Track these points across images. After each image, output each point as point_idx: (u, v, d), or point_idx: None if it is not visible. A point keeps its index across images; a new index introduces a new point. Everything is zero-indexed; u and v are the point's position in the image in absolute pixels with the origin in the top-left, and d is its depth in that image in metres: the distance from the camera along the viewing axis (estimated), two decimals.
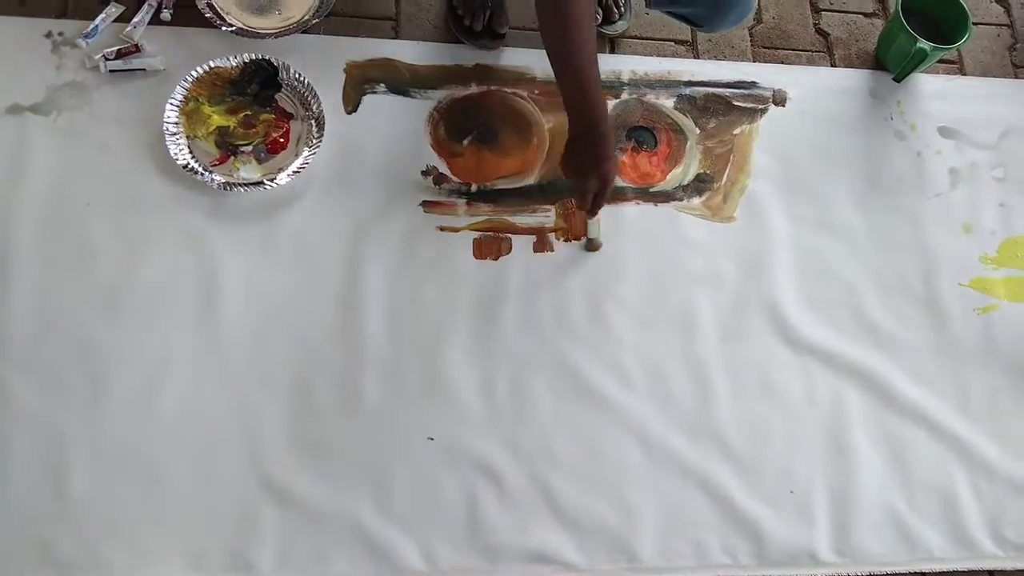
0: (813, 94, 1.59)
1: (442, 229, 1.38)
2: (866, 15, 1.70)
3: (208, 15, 1.39)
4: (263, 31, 1.41)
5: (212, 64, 1.37)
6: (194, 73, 1.36)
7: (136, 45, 1.38)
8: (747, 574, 1.26)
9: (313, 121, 1.38)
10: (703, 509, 1.28)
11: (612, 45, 1.58)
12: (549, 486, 1.25)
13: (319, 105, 1.38)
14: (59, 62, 1.36)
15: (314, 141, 1.36)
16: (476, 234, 1.38)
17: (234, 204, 1.33)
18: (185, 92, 1.35)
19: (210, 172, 1.32)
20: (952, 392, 1.41)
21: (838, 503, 1.31)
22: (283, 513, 1.19)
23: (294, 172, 1.34)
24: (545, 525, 1.24)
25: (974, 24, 1.58)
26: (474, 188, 1.41)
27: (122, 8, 1.40)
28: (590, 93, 1.15)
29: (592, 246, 1.39)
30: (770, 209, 1.48)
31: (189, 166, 1.32)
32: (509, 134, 1.45)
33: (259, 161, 1.36)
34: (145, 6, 1.40)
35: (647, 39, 1.59)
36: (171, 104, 1.34)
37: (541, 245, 1.39)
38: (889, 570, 1.30)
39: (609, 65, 1.54)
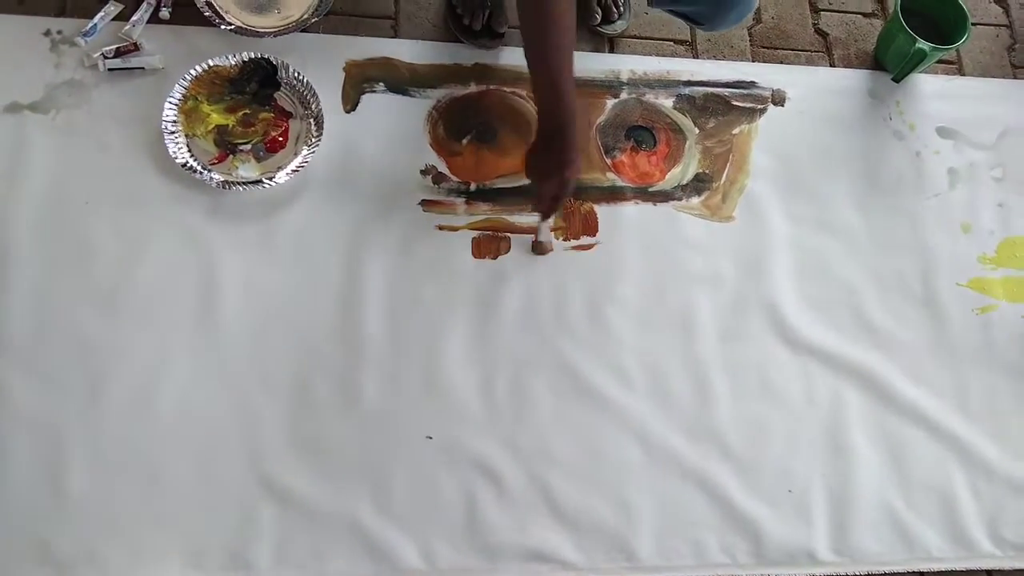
0: (812, 94, 1.59)
1: (441, 228, 1.37)
2: (865, 15, 1.71)
3: (207, 13, 1.39)
4: (262, 30, 1.41)
5: (211, 63, 1.37)
6: (193, 72, 1.36)
7: (135, 43, 1.37)
8: (746, 573, 1.26)
9: (312, 120, 1.38)
10: (702, 508, 1.28)
11: (611, 45, 1.58)
12: (548, 485, 1.25)
13: (318, 104, 1.38)
14: (58, 60, 1.36)
15: (313, 140, 1.36)
16: (475, 233, 1.38)
17: (233, 203, 1.33)
18: (184, 91, 1.35)
19: (209, 171, 1.32)
20: (951, 392, 1.41)
21: (837, 503, 1.31)
22: (282, 512, 1.19)
23: (293, 171, 1.34)
24: (544, 524, 1.24)
25: (973, 24, 1.58)
26: (473, 187, 1.41)
27: (121, 6, 1.40)
28: (563, 95, 1.15)
29: (541, 249, 1.38)
30: (769, 209, 1.48)
31: (188, 165, 1.31)
32: (508, 133, 1.45)
33: (258, 160, 1.36)
34: (144, 4, 1.40)
35: (646, 39, 1.59)
36: (170, 103, 1.33)
37: (540, 244, 1.39)
38: (887, 569, 1.30)
39: (608, 64, 1.54)
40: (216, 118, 1.36)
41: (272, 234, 1.32)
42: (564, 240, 1.40)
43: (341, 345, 1.28)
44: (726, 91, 1.56)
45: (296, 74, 1.39)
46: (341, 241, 1.33)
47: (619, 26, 1.56)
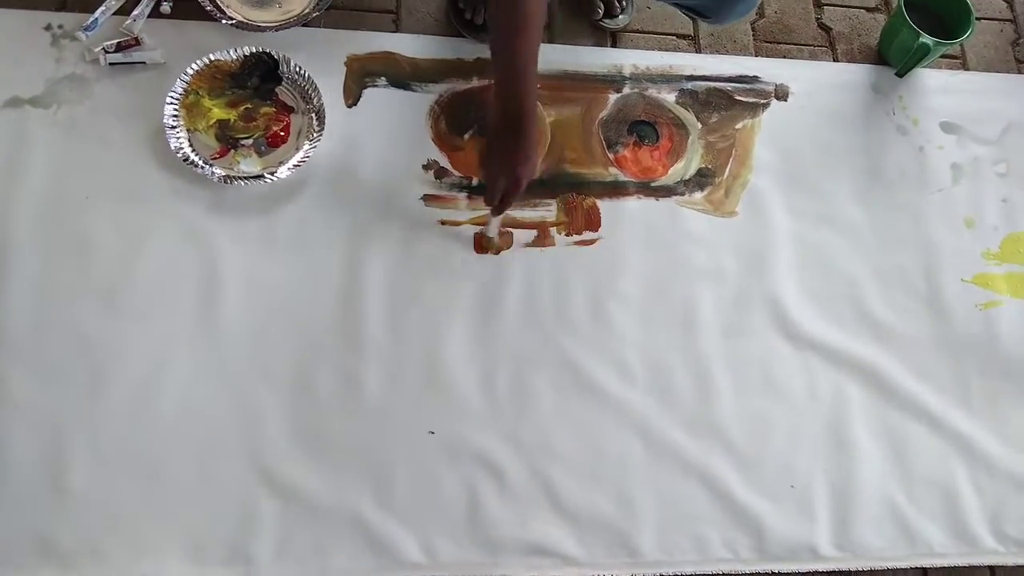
0: (815, 89, 1.58)
1: (443, 223, 1.37)
2: (868, 10, 1.70)
3: (208, 8, 1.38)
4: (263, 24, 1.41)
5: (212, 57, 1.37)
6: (194, 66, 1.36)
7: (136, 38, 1.37)
8: (747, 568, 1.26)
9: (314, 115, 1.38)
10: (704, 503, 1.28)
11: (614, 39, 1.57)
12: (550, 480, 1.25)
13: (320, 98, 1.38)
14: (59, 55, 1.36)
15: (315, 135, 1.36)
16: (477, 228, 1.37)
17: (234, 198, 1.33)
18: (185, 85, 1.35)
19: (210, 165, 1.32)
20: (953, 387, 1.40)
21: (839, 498, 1.31)
22: (283, 506, 1.19)
23: (295, 166, 1.33)
24: (545, 519, 1.24)
25: (977, 19, 1.58)
26: (475, 182, 1.40)
27: (122, 1, 1.40)
28: (523, 94, 1.15)
29: (487, 245, 1.37)
30: (772, 204, 1.47)
31: (189, 159, 1.31)
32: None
33: (259, 154, 1.36)
34: None
35: (649, 33, 1.59)
36: (171, 97, 1.33)
37: (542, 239, 1.38)
38: (889, 565, 1.30)
39: (611, 59, 1.54)
40: (217, 113, 1.36)
41: (273, 229, 1.32)
42: (566, 235, 1.40)
43: (342, 340, 1.28)
44: (729, 86, 1.55)
45: (298, 69, 1.38)
46: (343, 236, 1.33)
47: (622, 20, 1.56)
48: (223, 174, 1.31)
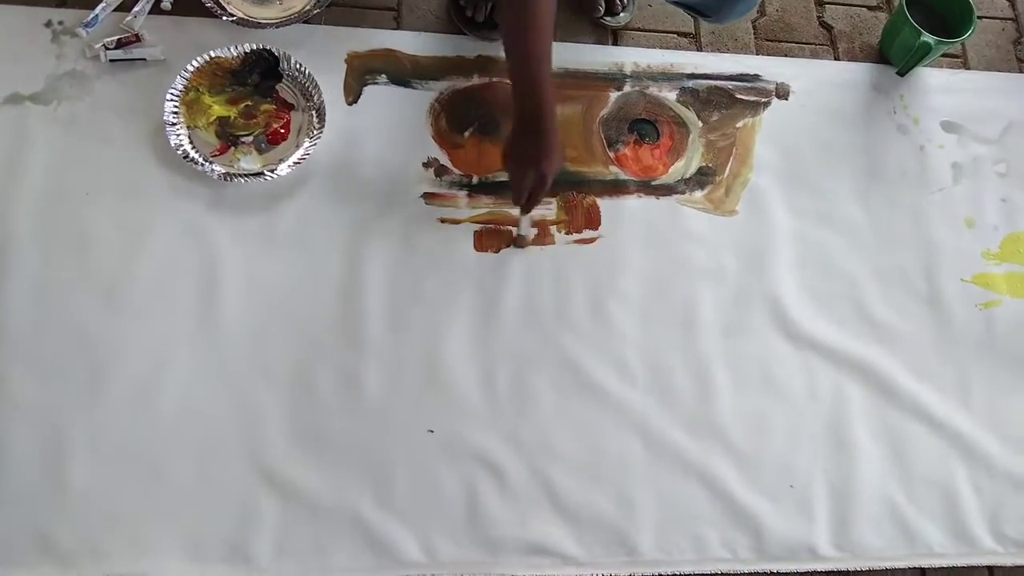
0: (816, 87, 1.58)
1: (443, 221, 1.37)
2: (870, 8, 1.70)
3: (209, 5, 1.38)
4: (264, 21, 1.41)
5: (213, 54, 1.36)
6: (195, 63, 1.35)
7: (136, 35, 1.37)
8: (746, 568, 1.26)
9: (314, 112, 1.38)
10: (703, 503, 1.28)
11: (615, 37, 1.57)
12: (549, 480, 1.25)
13: (320, 96, 1.38)
14: (59, 51, 1.36)
15: (315, 132, 1.36)
16: (477, 226, 1.37)
17: (234, 195, 1.33)
18: (185, 82, 1.35)
19: (210, 163, 1.32)
20: (953, 387, 1.40)
21: (838, 498, 1.31)
22: (283, 505, 1.19)
23: (295, 163, 1.33)
24: (545, 518, 1.24)
25: (979, 18, 1.58)
26: (475, 180, 1.40)
27: None
28: (540, 87, 1.15)
29: (520, 243, 1.37)
30: (772, 203, 1.47)
31: (189, 156, 1.31)
32: (511, 126, 1.43)
33: (260, 152, 1.36)
34: None
35: (650, 31, 1.59)
36: (171, 94, 1.33)
37: (542, 238, 1.38)
38: (888, 565, 1.30)
39: (612, 57, 1.53)
40: (218, 110, 1.36)
41: (273, 226, 1.32)
42: (566, 233, 1.40)
43: (342, 338, 1.28)
44: (730, 84, 1.55)
45: (298, 66, 1.38)
46: (342, 234, 1.33)
47: (623, 18, 1.56)
48: (223, 171, 1.31)
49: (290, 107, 1.39)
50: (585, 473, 1.26)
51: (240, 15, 1.40)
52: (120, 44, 1.36)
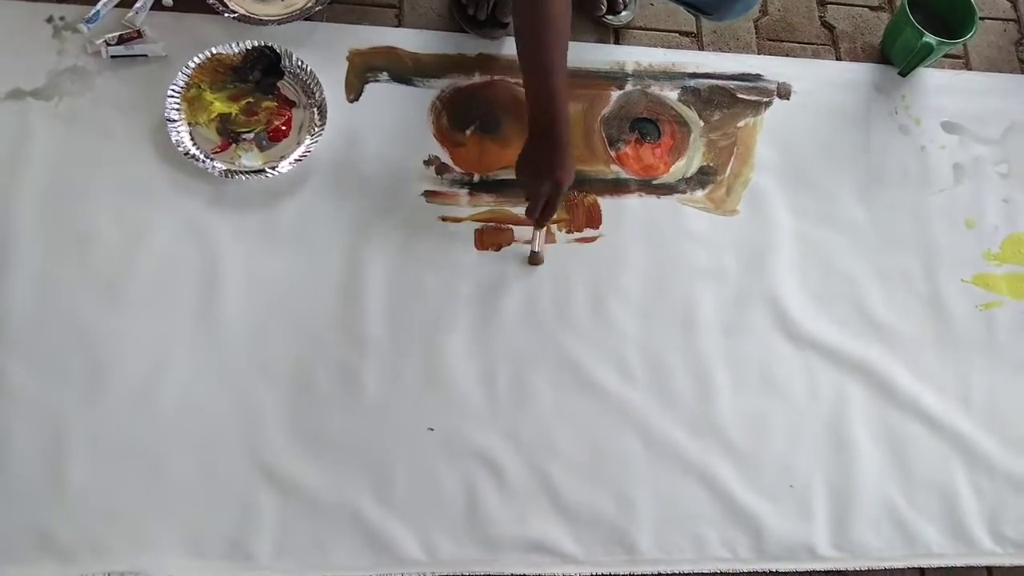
0: (818, 87, 1.58)
1: (444, 219, 1.37)
2: (872, 8, 1.70)
3: (211, 1, 1.38)
4: (266, 18, 1.40)
5: (214, 51, 1.36)
6: (196, 60, 1.35)
7: (138, 31, 1.37)
8: (746, 568, 1.26)
9: (315, 109, 1.38)
10: (703, 503, 1.28)
11: (617, 36, 1.57)
12: (549, 478, 1.25)
13: (321, 93, 1.37)
14: (60, 47, 1.36)
15: (316, 129, 1.36)
16: (478, 225, 1.37)
17: (235, 192, 1.33)
18: (187, 79, 1.35)
19: (211, 159, 1.32)
20: (953, 388, 1.40)
21: (838, 498, 1.31)
22: (283, 502, 1.19)
23: (296, 160, 1.33)
24: (544, 517, 1.24)
25: (981, 19, 1.58)
26: (476, 178, 1.40)
27: None
28: (554, 96, 1.15)
29: (535, 260, 1.36)
30: (773, 203, 1.47)
31: (190, 153, 1.31)
32: (512, 124, 1.44)
33: (261, 149, 1.36)
34: None
35: (652, 30, 1.58)
36: (172, 90, 1.33)
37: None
38: (887, 565, 1.30)
39: (613, 56, 1.53)
40: (219, 106, 1.36)
41: (274, 224, 1.32)
42: (567, 232, 1.40)
43: (343, 336, 1.28)
44: (731, 83, 1.55)
45: (300, 63, 1.38)
46: (343, 231, 1.33)
47: (624, 17, 1.56)
48: (224, 168, 1.31)
49: (291, 104, 1.39)
50: (585, 472, 1.26)
51: (242, 12, 1.40)
52: (121, 40, 1.36)
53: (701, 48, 1.59)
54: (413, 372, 1.27)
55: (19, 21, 1.36)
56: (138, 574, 1.13)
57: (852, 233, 1.48)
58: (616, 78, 1.51)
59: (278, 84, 1.39)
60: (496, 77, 1.47)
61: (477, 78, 1.47)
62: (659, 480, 1.28)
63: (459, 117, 1.44)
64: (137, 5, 1.38)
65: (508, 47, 1.49)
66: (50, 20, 1.37)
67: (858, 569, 1.29)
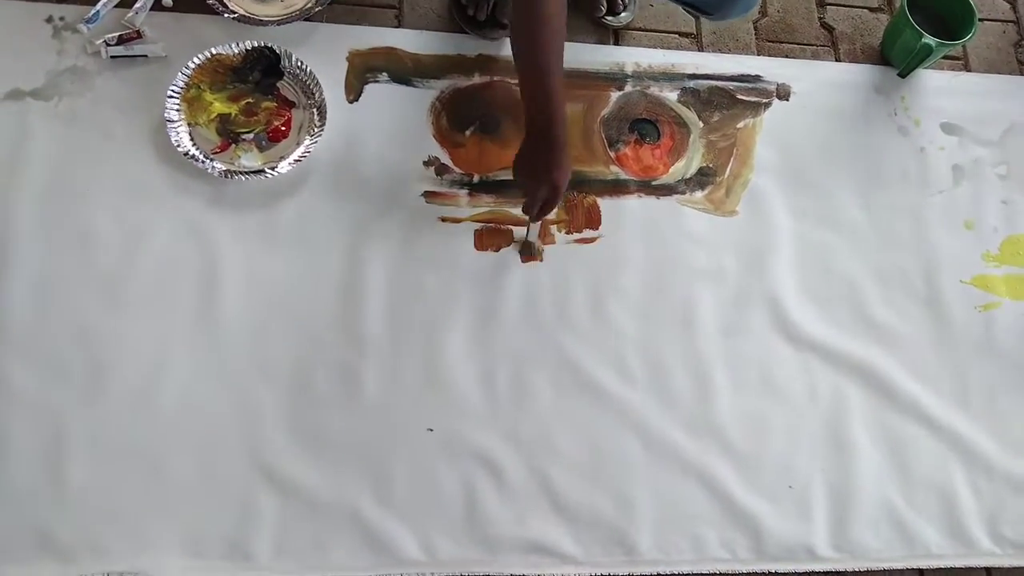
0: (817, 88, 1.58)
1: (444, 220, 1.37)
2: (871, 10, 1.70)
3: (210, 2, 1.38)
4: (265, 18, 1.40)
5: (214, 51, 1.36)
6: (196, 60, 1.35)
7: (138, 31, 1.37)
8: (745, 568, 1.26)
9: (315, 109, 1.38)
10: (702, 503, 1.28)
11: (616, 37, 1.57)
12: (548, 479, 1.25)
13: (321, 93, 1.37)
14: (60, 47, 1.36)
15: (316, 130, 1.36)
16: (478, 225, 1.37)
17: (235, 192, 1.33)
18: (186, 79, 1.35)
19: (211, 160, 1.32)
20: (952, 389, 1.41)
21: (837, 499, 1.31)
22: (282, 502, 1.19)
23: (295, 161, 1.33)
24: (544, 517, 1.24)
25: (980, 20, 1.58)
26: (476, 179, 1.40)
27: None
28: (551, 97, 1.15)
29: (529, 252, 1.36)
30: (772, 204, 1.47)
31: (190, 154, 1.31)
32: (512, 125, 1.44)
33: (260, 149, 1.36)
34: None
35: (651, 31, 1.58)
36: (172, 91, 1.33)
37: (542, 237, 1.38)
38: (886, 566, 1.30)
39: (613, 57, 1.53)
40: (219, 107, 1.36)
41: (274, 224, 1.32)
42: (567, 233, 1.40)
43: (342, 336, 1.28)
44: (731, 85, 1.55)
45: (299, 63, 1.38)
46: (343, 232, 1.33)
47: (624, 18, 1.56)
48: (224, 168, 1.31)
49: (291, 105, 1.39)
50: (584, 472, 1.27)
51: (241, 12, 1.40)
52: (121, 40, 1.36)
53: (701, 49, 1.59)
54: (413, 372, 1.27)
55: (19, 21, 1.36)
56: (138, 574, 1.13)
57: (851, 234, 1.48)
58: (615, 79, 1.52)
59: (278, 85, 1.39)
60: (496, 78, 1.47)
61: (477, 79, 1.47)
62: (658, 480, 1.28)
63: (459, 118, 1.44)
64: (137, 5, 1.38)
65: (508, 48, 1.48)
66: (50, 20, 1.37)
67: (857, 570, 1.29)
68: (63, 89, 1.33)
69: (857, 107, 1.58)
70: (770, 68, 1.58)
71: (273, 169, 1.32)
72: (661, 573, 1.24)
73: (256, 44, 1.38)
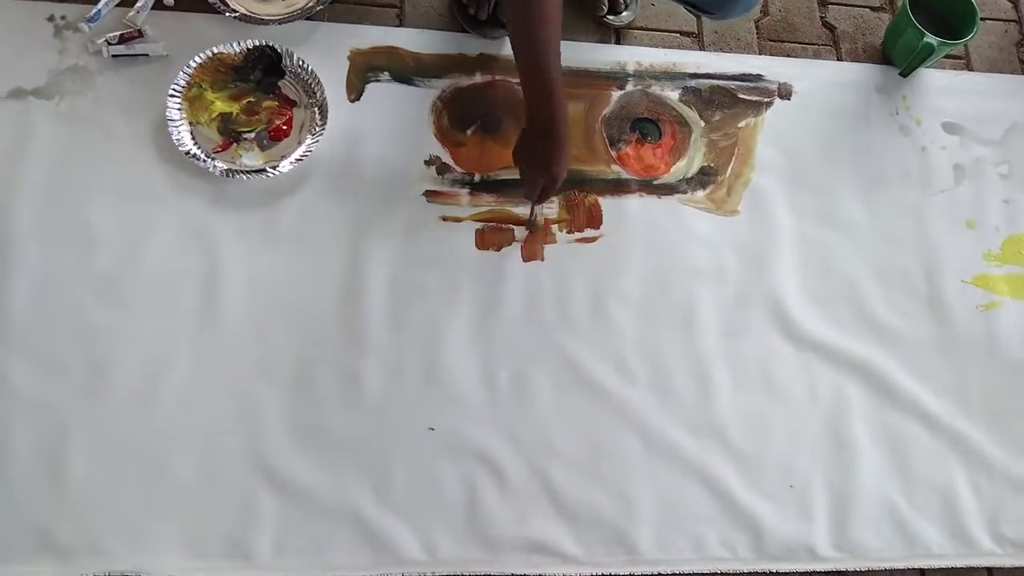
0: (819, 88, 1.58)
1: (445, 219, 1.37)
2: (873, 9, 1.70)
3: (212, 1, 1.38)
4: (267, 17, 1.40)
5: (215, 50, 1.36)
6: (197, 59, 1.35)
7: (139, 30, 1.37)
8: (745, 568, 1.26)
9: (316, 109, 1.38)
10: (702, 503, 1.28)
11: (618, 36, 1.57)
12: (549, 478, 1.25)
13: (322, 92, 1.37)
14: (62, 46, 1.36)
15: (317, 129, 1.36)
16: (479, 224, 1.37)
17: (236, 191, 1.33)
18: (188, 78, 1.35)
19: (212, 159, 1.32)
20: (953, 389, 1.41)
21: (837, 498, 1.31)
22: (283, 501, 1.19)
23: (297, 160, 1.33)
24: (544, 517, 1.24)
25: (982, 20, 1.58)
26: (477, 178, 1.40)
27: None
28: (552, 94, 1.16)
29: (532, 226, 1.39)
30: (774, 203, 1.47)
31: (191, 153, 1.31)
32: (513, 124, 1.44)
33: (262, 148, 1.36)
34: None
35: (653, 30, 1.58)
36: (174, 90, 1.33)
37: (543, 236, 1.38)
38: (887, 565, 1.30)
39: (614, 56, 1.53)
40: (220, 106, 1.36)
41: (275, 223, 1.32)
42: (568, 232, 1.40)
43: (343, 335, 1.28)
44: (732, 84, 1.55)
45: (301, 62, 1.38)
46: (344, 231, 1.33)
47: (626, 17, 1.56)
48: (225, 168, 1.31)
49: (292, 104, 1.39)
50: (585, 472, 1.27)
51: (243, 11, 1.40)
52: (123, 39, 1.36)
53: (702, 48, 1.59)
54: (413, 372, 1.28)
55: (20, 20, 1.36)
56: (138, 574, 1.13)
57: (852, 233, 1.48)
58: (617, 78, 1.51)
59: (279, 84, 1.39)
60: (497, 77, 1.47)
61: (478, 78, 1.47)
62: (659, 480, 1.28)
63: (460, 117, 1.44)
64: (138, 4, 1.38)
65: (509, 47, 1.48)
66: (51, 19, 1.37)
67: (858, 569, 1.29)
68: (65, 88, 1.33)
69: (859, 106, 1.58)
70: (772, 67, 1.58)
71: (274, 168, 1.32)
72: (662, 572, 1.24)
73: (257, 43, 1.38)
